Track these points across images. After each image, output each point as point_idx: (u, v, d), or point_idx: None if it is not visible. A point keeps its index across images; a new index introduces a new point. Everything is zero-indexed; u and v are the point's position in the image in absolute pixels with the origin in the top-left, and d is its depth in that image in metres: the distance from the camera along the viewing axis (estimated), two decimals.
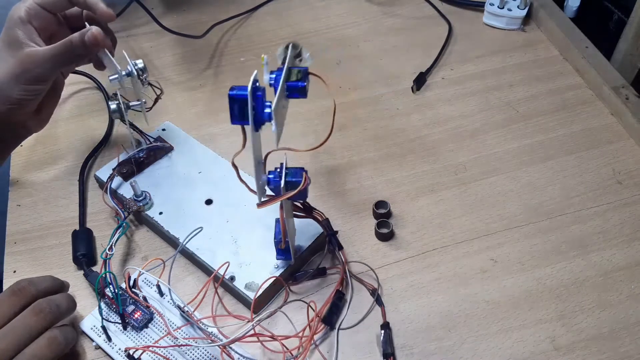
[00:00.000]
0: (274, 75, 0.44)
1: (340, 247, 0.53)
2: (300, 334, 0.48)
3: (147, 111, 0.58)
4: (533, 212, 0.58)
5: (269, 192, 0.47)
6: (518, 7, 0.76)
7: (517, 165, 0.62)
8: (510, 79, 0.71)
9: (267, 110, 0.43)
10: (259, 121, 0.43)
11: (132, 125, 0.60)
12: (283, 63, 0.45)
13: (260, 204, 0.46)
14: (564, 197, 0.59)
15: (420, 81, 0.70)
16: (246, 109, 0.42)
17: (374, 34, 0.78)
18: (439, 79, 0.72)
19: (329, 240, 0.53)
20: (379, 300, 0.51)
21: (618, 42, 0.73)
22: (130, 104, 0.57)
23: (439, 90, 0.70)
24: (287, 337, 0.47)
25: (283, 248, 0.51)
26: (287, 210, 0.47)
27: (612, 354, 0.48)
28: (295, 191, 0.45)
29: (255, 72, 0.43)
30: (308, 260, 0.55)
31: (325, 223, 0.52)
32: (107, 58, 0.54)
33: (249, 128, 0.43)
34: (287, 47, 0.46)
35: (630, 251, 0.54)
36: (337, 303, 0.51)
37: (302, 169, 0.46)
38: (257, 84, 0.43)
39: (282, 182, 0.45)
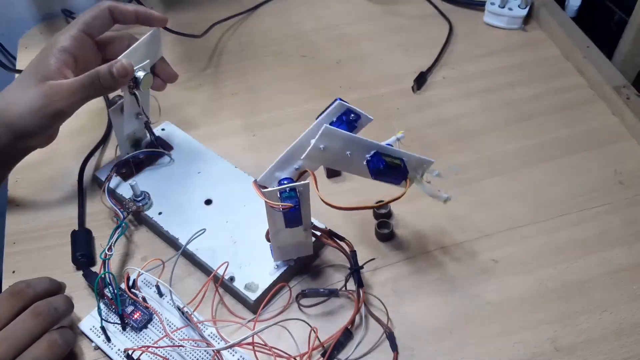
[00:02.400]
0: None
1: (361, 285, 0.50)
2: (298, 359, 0.47)
3: (146, 121, 0.59)
4: (534, 213, 0.57)
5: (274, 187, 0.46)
6: (519, 6, 0.76)
7: (518, 166, 0.62)
8: (512, 79, 0.71)
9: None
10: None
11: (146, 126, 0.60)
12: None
13: (254, 182, 0.45)
14: (565, 197, 0.59)
15: (421, 81, 0.70)
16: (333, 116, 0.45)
17: (374, 33, 0.78)
18: (440, 78, 0.72)
19: (350, 275, 0.50)
20: (393, 345, 0.48)
21: (619, 42, 0.73)
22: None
23: (440, 90, 0.70)
24: (282, 357, 0.46)
25: (269, 242, 0.50)
26: (271, 217, 0.46)
27: (614, 355, 0.47)
28: (265, 199, 0.43)
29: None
30: (311, 264, 0.54)
31: (352, 256, 0.50)
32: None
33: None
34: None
35: (632, 252, 0.54)
36: (343, 342, 0.49)
37: (296, 203, 0.44)
38: (353, 118, 0.45)
39: (273, 189, 0.44)
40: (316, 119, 0.45)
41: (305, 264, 0.54)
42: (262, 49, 0.77)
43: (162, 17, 0.56)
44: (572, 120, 0.66)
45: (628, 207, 0.57)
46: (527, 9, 0.76)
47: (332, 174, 0.61)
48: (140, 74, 0.53)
